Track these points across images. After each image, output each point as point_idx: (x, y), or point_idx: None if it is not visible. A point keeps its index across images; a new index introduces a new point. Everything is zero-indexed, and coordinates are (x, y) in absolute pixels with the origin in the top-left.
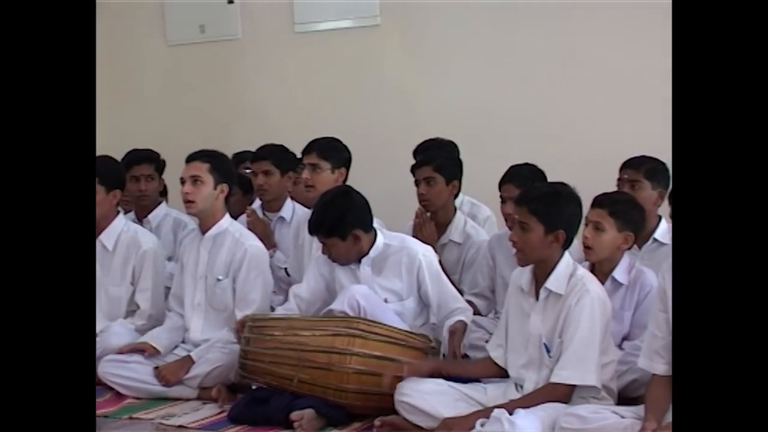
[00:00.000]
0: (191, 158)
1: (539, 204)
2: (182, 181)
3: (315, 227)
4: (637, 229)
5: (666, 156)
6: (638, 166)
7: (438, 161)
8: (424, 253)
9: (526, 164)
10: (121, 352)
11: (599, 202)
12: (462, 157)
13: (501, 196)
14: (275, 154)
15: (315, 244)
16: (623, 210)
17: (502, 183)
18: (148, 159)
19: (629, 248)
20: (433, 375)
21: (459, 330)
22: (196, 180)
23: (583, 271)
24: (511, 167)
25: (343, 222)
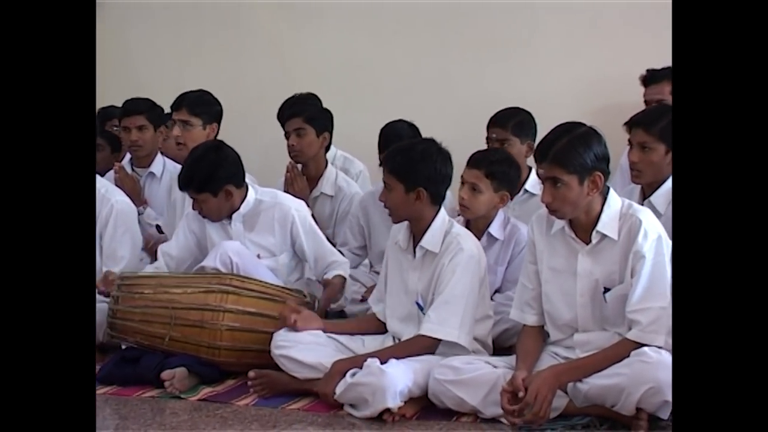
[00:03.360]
0: None
1: (396, 163)
2: None
3: (185, 183)
4: (513, 187)
5: (534, 108)
6: (504, 124)
7: (308, 112)
8: (297, 208)
9: (401, 121)
10: None
11: (475, 161)
12: (336, 111)
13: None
14: (148, 108)
15: (187, 201)
16: (499, 170)
17: (384, 144)
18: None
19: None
20: None
21: (334, 285)
22: None
23: (458, 229)
24: (388, 126)
25: (214, 177)
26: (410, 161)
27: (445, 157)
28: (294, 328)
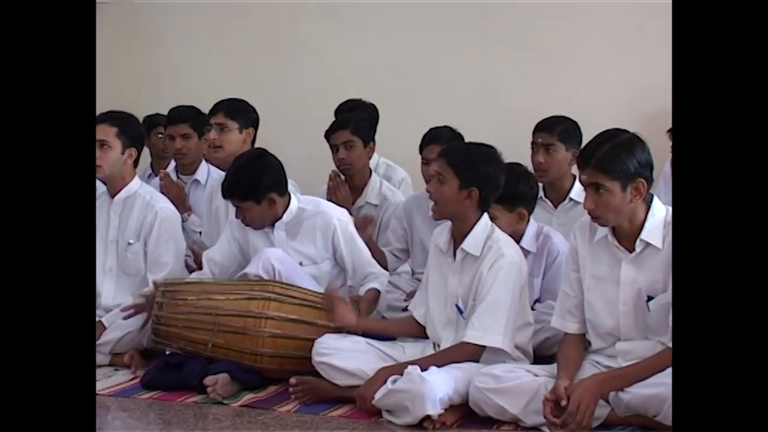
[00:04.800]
0: (98, 121)
1: (457, 158)
2: None
3: (229, 190)
4: (527, 200)
5: (578, 115)
6: (551, 129)
7: (354, 124)
8: (339, 216)
9: (445, 126)
10: None
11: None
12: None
13: (424, 158)
14: (192, 117)
15: (230, 208)
16: (505, 192)
17: (425, 144)
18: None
19: (527, 220)
20: (350, 332)
21: (367, 299)
22: (102, 144)
23: (500, 234)
24: (431, 129)
25: (258, 185)
26: (472, 158)
27: (503, 166)
28: (337, 329)
